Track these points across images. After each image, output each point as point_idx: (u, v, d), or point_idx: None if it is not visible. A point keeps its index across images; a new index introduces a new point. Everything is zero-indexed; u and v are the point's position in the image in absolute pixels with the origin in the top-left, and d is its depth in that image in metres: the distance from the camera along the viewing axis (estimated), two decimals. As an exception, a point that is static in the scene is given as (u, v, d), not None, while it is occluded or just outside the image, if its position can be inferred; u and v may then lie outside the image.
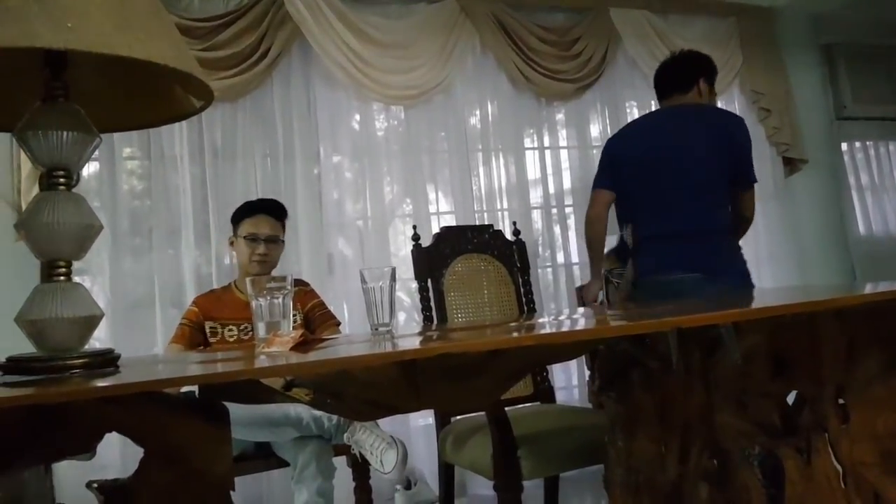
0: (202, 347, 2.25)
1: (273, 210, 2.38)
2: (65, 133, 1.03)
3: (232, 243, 2.39)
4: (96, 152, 2.69)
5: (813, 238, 3.92)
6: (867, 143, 4.30)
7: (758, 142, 3.80)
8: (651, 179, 2.25)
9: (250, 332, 2.22)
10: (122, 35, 0.95)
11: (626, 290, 1.95)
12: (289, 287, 1.29)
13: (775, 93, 3.82)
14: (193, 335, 2.25)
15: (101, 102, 1.20)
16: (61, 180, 1.06)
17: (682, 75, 2.36)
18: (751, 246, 3.72)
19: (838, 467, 1.43)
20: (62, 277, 1.05)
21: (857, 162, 4.25)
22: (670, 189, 2.21)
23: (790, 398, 1.51)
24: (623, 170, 2.33)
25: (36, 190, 2.44)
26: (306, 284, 2.47)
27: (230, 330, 2.28)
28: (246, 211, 2.36)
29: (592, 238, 2.41)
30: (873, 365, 1.43)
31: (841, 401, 1.45)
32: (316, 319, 2.36)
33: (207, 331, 2.27)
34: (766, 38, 3.87)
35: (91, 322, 1.06)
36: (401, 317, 3.10)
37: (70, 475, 2.28)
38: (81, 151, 1.06)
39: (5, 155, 2.53)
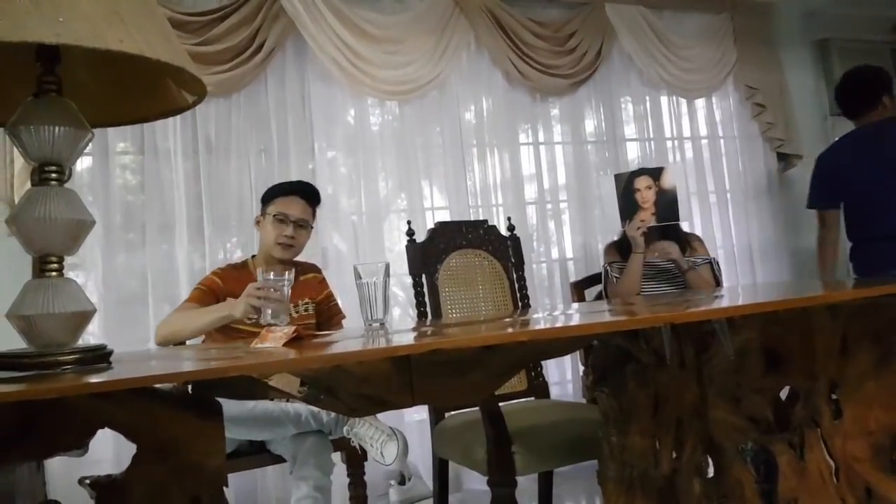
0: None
1: (308, 194, 2.28)
2: (57, 128, 1.03)
3: (258, 222, 2.26)
4: (89, 146, 2.69)
5: (809, 235, 3.92)
6: (861, 139, 4.31)
7: (752, 137, 3.83)
8: (876, 188, 2.57)
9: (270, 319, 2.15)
10: (113, 29, 0.94)
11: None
12: (290, 279, 1.30)
13: (770, 88, 3.82)
14: (207, 301, 2.12)
15: (94, 97, 1.20)
16: (53, 175, 1.05)
17: (867, 93, 2.70)
18: (743, 241, 3.74)
19: (831, 462, 1.44)
20: (54, 273, 1.05)
21: (852, 157, 4.26)
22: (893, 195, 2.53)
23: (783, 394, 1.52)
24: (846, 180, 2.68)
25: (28, 185, 2.45)
26: (319, 271, 2.38)
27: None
28: (279, 190, 2.26)
29: (829, 257, 2.79)
30: (866, 360, 1.44)
31: (834, 396, 1.46)
32: (325, 312, 2.30)
33: None
34: (760, 33, 3.88)
35: (83, 317, 1.06)
36: (395, 312, 3.10)
37: (62, 471, 2.28)
38: (73, 146, 1.06)
39: (-3, 149, 2.51)
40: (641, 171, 2.46)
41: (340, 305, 2.39)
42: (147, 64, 1.00)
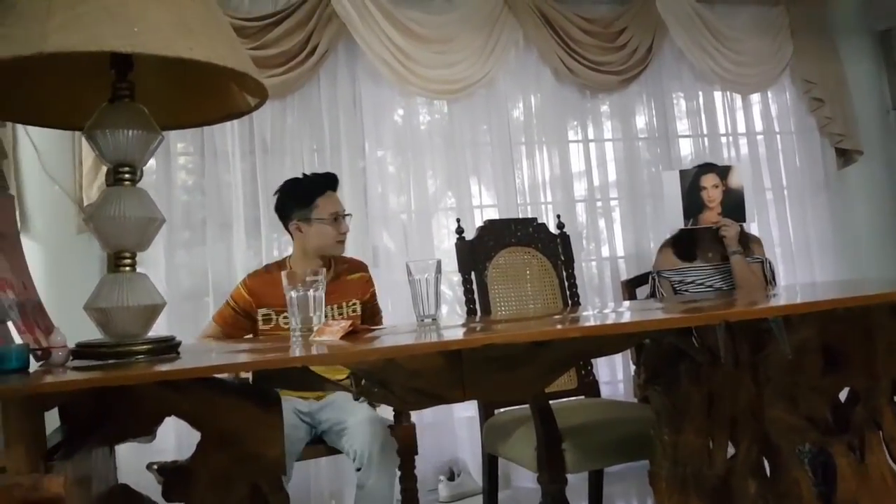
0: (250, 336, 2.16)
1: (335, 184, 2.23)
2: (130, 131, 1.09)
3: (299, 229, 2.17)
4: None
5: (867, 231, 3.79)
6: (926, 132, 4.13)
7: (810, 132, 3.71)
8: None
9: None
10: (183, 38, 1.00)
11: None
12: (323, 280, 1.32)
13: (828, 82, 3.69)
14: (237, 321, 2.13)
15: (162, 102, 1.26)
16: (126, 176, 1.12)
17: None
18: (801, 239, 3.63)
19: (894, 466, 1.39)
20: (127, 268, 1.12)
21: (915, 153, 4.09)
22: None
23: (843, 394, 1.49)
24: None
25: (96, 185, 2.57)
26: (367, 269, 2.34)
27: (286, 318, 2.09)
28: (314, 190, 2.17)
29: None
30: (930, 361, 1.39)
31: (896, 397, 1.42)
32: (368, 310, 2.30)
33: (260, 318, 2.14)
34: (817, 25, 3.75)
35: (154, 310, 1.12)
36: (443, 310, 3.12)
37: (128, 457, 2.39)
38: (145, 148, 1.12)
39: (67, 151, 2.65)
40: (709, 169, 2.41)
41: (385, 302, 2.43)
42: (213, 70, 1.05)
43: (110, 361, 1.05)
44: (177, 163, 2.87)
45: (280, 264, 2.22)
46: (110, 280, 1.09)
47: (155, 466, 1.36)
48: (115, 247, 1.11)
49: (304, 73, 2.91)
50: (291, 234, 2.22)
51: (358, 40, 2.97)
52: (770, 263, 2.48)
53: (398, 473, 2.07)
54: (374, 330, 1.40)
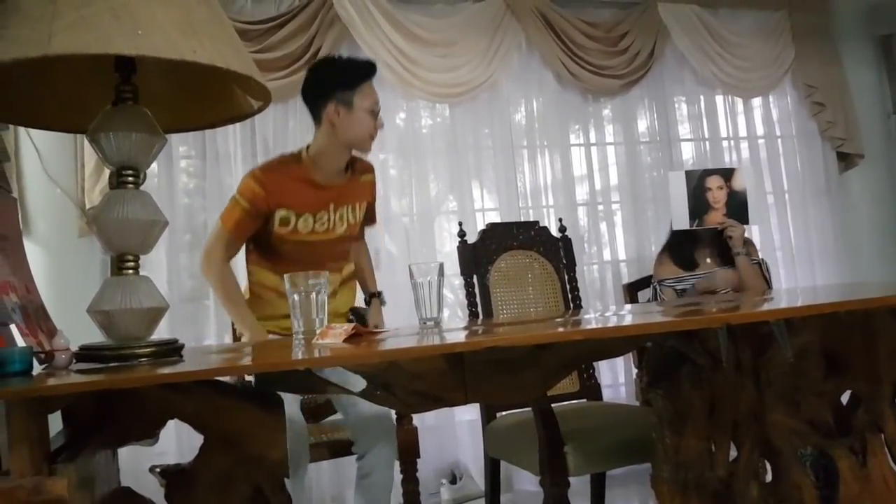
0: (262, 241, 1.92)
1: (375, 74, 1.95)
2: (133, 134, 1.09)
3: (337, 113, 1.86)
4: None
5: (869, 235, 3.79)
6: (926, 137, 4.14)
7: (811, 136, 3.72)
8: None
9: (326, 224, 1.93)
10: (187, 40, 1.00)
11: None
12: (326, 283, 1.32)
13: (829, 86, 3.70)
14: (248, 224, 1.87)
15: (166, 105, 1.26)
16: (130, 179, 1.12)
17: None
18: (802, 242, 3.64)
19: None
20: (131, 271, 1.12)
21: (916, 157, 4.09)
22: None
23: (844, 398, 1.48)
24: None
25: (98, 188, 2.58)
26: (374, 171, 2.12)
27: (305, 220, 1.90)
28: (361, 74, 1.90)
29: None
30: (933, 364, 1.39)
31: (898, 401, 1.42)
32: (369, 213, 2.14)
33: (277, 219, 1.87)
34: (819, 30, 3.76)
35: (157, 313, 1.12)
36: (444, 313, 3.12)
37: (130, 460, 2.39)
38: (148, 151, 1.12)
39: (69, 154, 2.66)
40: (714, 171, 2.43)
41: (388, 305, 2.41)
42: (217, 73, 1.06)
43: (113, 364, 1.05)
44: (178, 166, 2.87)
45: (296, 157, 1.94)
46: (114, 283, 1.10)
47: (157, 469, 1.36)
48: (119, 249, 1.11)
49: (306, 77, 2.91)
50: (320, 121, 1.91)
51: (360, 43, 2.97)
52: (766, 264, 2.49)
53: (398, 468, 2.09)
54: (376, 333, 1.40)
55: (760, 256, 2.48)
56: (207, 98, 1.28)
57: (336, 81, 1.88)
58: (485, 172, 3.29)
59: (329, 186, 1.94)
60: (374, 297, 2.17)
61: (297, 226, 1.90)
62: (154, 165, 2.81)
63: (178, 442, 2.52)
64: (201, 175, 2.90)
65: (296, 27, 2.89)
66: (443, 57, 3.14)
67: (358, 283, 2.19)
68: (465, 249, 2.35)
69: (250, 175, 1.90)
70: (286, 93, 2.89)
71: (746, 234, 3.27)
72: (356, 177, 2.03)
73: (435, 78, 3.09)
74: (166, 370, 1.01)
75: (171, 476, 1.17)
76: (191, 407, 1.12)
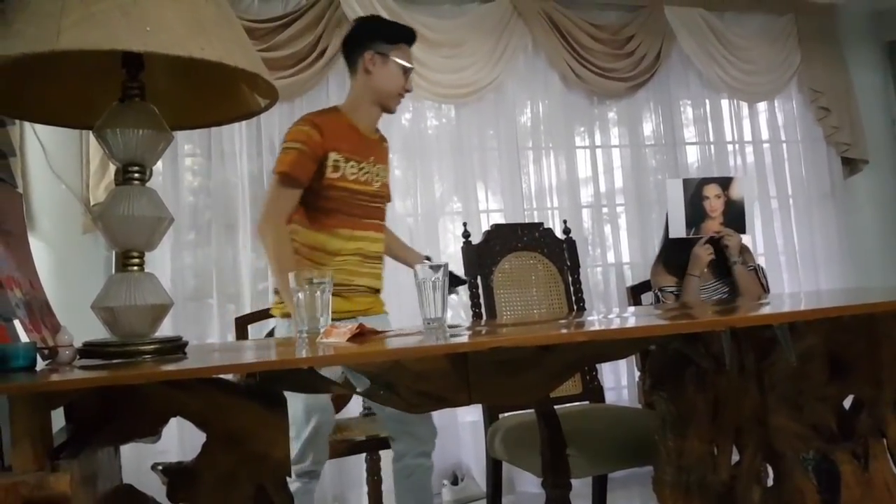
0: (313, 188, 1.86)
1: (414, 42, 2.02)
2: (140, 131, 1.09)
3: (373, 62, 1.92)
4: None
5: (873, 240, 3.78)
6: (933, 143, 4.13)
7: (816, 141, 3.71)
8: None
9: (367, 175, 1.95)
10: (195, 38, 1.00)
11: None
12: (329, 283, 1.31)
13: (835, 91, 3.69)
14: (307, 165, 1.83)
15: (173, 102, 1.27)
16: (136, 175, 1.12)
17: None
18: (806, 247, 3.63)
19: (898, 474, 1.39)
20: (136, 267, 1.12)
21: (922, 163, 4.08)
22: None
23: (847, 402, 1.48)
24: None
25: (103, 184, 2.59)
26: (386, 140, 2.13)
27: (352, 166, 1.91)
28: (405, 35, 1.98)
29: None
30: (937, 370, 1.39)
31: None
32: None
33: (330, 164, 1.86)
34: (825, 34, 3.75)
35: (162, 310, 1.12)
36: (448, 313, 3.12)
37: (132, 458, 2.39)
38: (155, 148, 1.13)
39: (74, 150, 2.67)
40: (711, 180, 2.42)
41: (391, 305, 2.40)
42: (224, 70, 1.06)
43: (117, 361, 1.05)
44: (183, 164, 2.88)
45: (334, 108, 2.02)
46: (118, 279, 1.10)
47: (160, 467, 1.36)
48: (124, 246, 1.11)
49: (313, 76, 2.92)
50: (355, 70, 1.97)
51: (366, 44, 2.97)
52: (763, 270, 2.48)
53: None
54: (380, 333, 1.40)
55: (756, 262, 2.47)
56: (215, 96, 1.28)
57: (377, 33, 1.96)
58: (490, 174, 3.29)
59: (369, 138, 1.99)
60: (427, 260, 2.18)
61: (346, 172, 1.90)
62: (159, 163, 2.81)
63: (180, 440, 2.53)
64: (206, 173, 2.90)
65: (303, 26, 2.89)
66: (449, 58, 3.14)
67: (400, 262, 2.19)
68: (469, 250, 2.35)
69: (301, 122, 1.90)
70: (293, 92, 2.90)
71: (759, 240, 3.27)
72: (381, 141, 2.07)
73: (441, 79, 3.10)
74: (170, 367, 1.01)
75: (172, 474, 1.16)
76: (194, 405, 1.12)
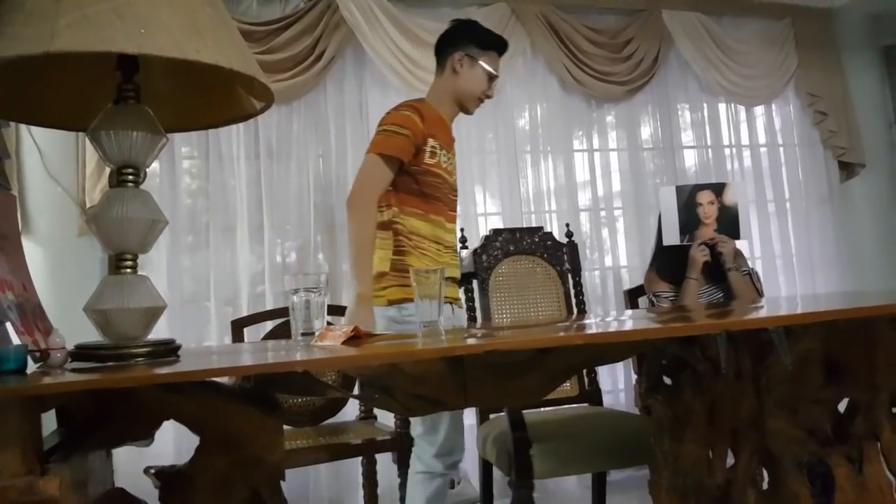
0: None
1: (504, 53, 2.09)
2: (135, 133, 1.09)
3: (461, 63, 1.99)
4: (158, 152, 2.80)
5: (869, 244, 3.78)
6: (928, 147, 4.14)
7: (813, 145, 3.72)
8: None
9: (451, 166, 2.02)
10: (191, 40, 1.00)
11: None
12: (325, 286, 1.31)
13: (832, 95, 3.70)
14: (409, 151, 1.87)
15: (168, 104, 1.26)
16: (130, 178, 1.12)
17: None
18: (803, 251, 3.63)
19: (891, 478, 1.39)
20: (129, 270, 1.11)
21: (918, 166, 4.10)
22: None
23: (842, 406, 1.48)
24: None
25: (99, 187, 2.58)
26: None
27: (444, 155, 1.97)
28: (496, 43, 2.04)
29: None
30: (933, 374, 1.38)
31: (895, 410, 1.41)
32: None
33: (428, 149, 1.91)
34: (822, 39, 3.76)
35: (155, 313, 1.12)
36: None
37: (126, 461, 2.38)
38: (150, 150, 1.12)
39: (71, 153, 2.66)
40: (704, 186, 2.42)
41: None
42: (220, 73, 1.06)
43: (109, 364, 1.04)
44: (181, 166, 2.87)
45: (420, 100, 2.03)
46: (111, 282, 1.09)
47: (152, 471, 1.35)
48: (117, 248, 1.11)
49: (310, 79, 2.92)
50: (443, 67, 2.04)
51: (366, 47, 2.98)
52: (757, 274, 2.48)
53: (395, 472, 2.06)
54: (375, 336, 1.39)
55: (751, 267, 2.47)
56: (210, 98, 1.28)
57: (471, 37, 2.03)
58: (488, 177, 3.29)
59: (448, 129, 2.04)
60: None
61: (440, 159, 1.96)
62: (156, 165, 2.81)
63: (175, 443, 2.52)
64: (204, 176, 2.90)
65: (300, 29, 2.89)
66: (447, 61, 3.13)
67: None
68: (467, 256, 2.35)
69: (403, 107, 1.94)
70: (291, 95, 2.90)
71: (756, 244, 3.26)
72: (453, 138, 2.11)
73: (439, 82, 3.09)
74: (162, 370, 1.00)
75: (165, 477, 1.16)
76: (188, 408, 1.12)
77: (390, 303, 1.86)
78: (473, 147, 3.22)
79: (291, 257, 2.96)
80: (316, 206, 2.96)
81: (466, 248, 2.36)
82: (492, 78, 2.01)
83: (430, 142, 1.91)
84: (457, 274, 2.04)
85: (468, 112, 2.09)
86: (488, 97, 2.05)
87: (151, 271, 2.78)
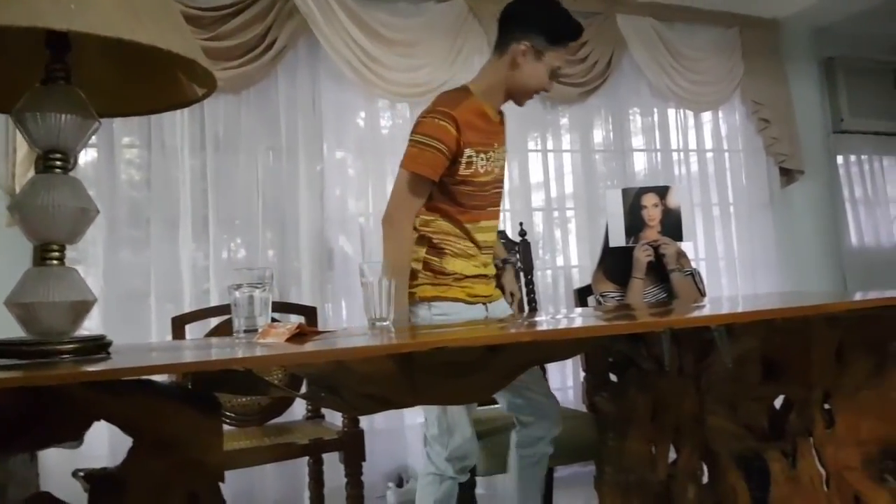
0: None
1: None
2: (63, 115, 1.03)
3: (524, 54, 1.79)
4: (95, 140, 2.66)
5: (807, 247, 3.93)
6: (862, 156, 4.34)
7: (756, 151, 3.83)
8: None
9: (491, 163, 1.84)
10: (126, 19, 0.95)
11: None
12: (269, 281, 1.26)
13: (775, 103, 3.82)
14: (443, 165, 1.74)
15: (103, 87, 1.20)
16: (58, 163, 1.06)
17: None
18: (746, 253, 3.74)
19: (822, 471, 1.44)
20: (55, 261, 1.05)
21: (852, 175, 4.29)
22: None
23: (779, 402, 1.52)
24: None
25: (30, 174, 2.45)
26: (504, 115, 2.00)
27: (481, 159, 1.80)
28: (567, 35, 1.83)
29: None
30: (861, 370, 1.44)
31: (827, 406, 1.46)
32: None
33: (464, 161, 1.76)
34: (768, 49, 3.88)
35: (83, 307, 1.05)
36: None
37: (55, 464, 2.27)
38: (80, 135, 1.06)
39: (0, 138, 2.51)
40: (649, 189, 2.46)
41: (340, 306, 2.35)
42: (158, 55, 1.01)
43: (32, 361, 0.98)
44: (122, 156, 2.76)
45: (465, 90, 1.84)
46: (35, 274, 1.03)
47: (81, 473, 1.29)
48: (43, 238, 1.04)
49: (261, 68, 2.84)
50: (502, 52, 1.82)
51: (320, 38, 2.92)
52: (699, 274, 2.53)
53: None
54: (321, 333, 1.36)
55: (693, 267, 2.53)
56: (149, 83, 1.22)
57: (544, 26, 1.79)
58: (443, 175, 3.26)
59: (493, 122, 1.88)
60: (506, 262, 2.14)
61: (477, 167, 1.80)
62: (95, 154, 2.69)
63: (111, 445, 2.40)
64: (146, 166, 2.78)
65: (251, 16, 2.81)
66: (404, 56, 3.11)
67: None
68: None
69: (437, 114, 1.75)
70: (240, 83, 2.82)
71: (701, 246, 3.34)
72: (502, 122, 1.94)
73: (396, 77, 3.06)
74: (88, 368, 0.95)
75: (95, 481, 1.10)
76: (121, 408, 1.06)
77: (422, 300, 1.79)
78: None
79: (241, 253, 2.88)
80: (265, 201, 2.88)
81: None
82: (555, 73, 1.84)
83: (467, 152, 1.76)
84: (491, 271, 1.93)
85: (519, 104, 1.93)
86: (545, 91, 1.88)
87: (89, 265, 2.66)
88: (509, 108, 3.28)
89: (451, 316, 1.76)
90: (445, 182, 1.77)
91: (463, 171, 1.77)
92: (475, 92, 1.83)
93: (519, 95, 1.87)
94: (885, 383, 1.44)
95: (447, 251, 1.80)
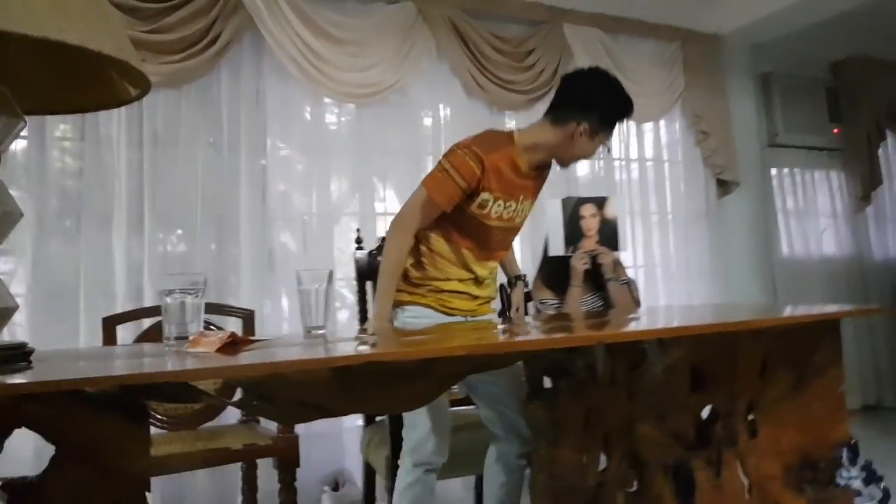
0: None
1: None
2: (-14, 114, 0.98)
3: (579, 133, 1.87)
4: (25, 130, 2.54)
5: (740, 257, 4.10)
6: (794, 170, 4.55)
7: (694, 163, 3.97)
8: None
9: (511, 213, 1.92)
10: (55, 17, 0.91)
11: None
12: (203, 287, 1.24)
13: (714, 117, 3.97)
14: (459, 200, 1.82)
15: (32, 85, 1.16)
16: (-20, 163, 1.01)
17: None
18: (682, 262, 3.87)
19: (745, 480, 1.50)
20: (-25, 265, 1.01)
21: (785, 187, 4.49)
22: None
23: (705, 412, 1.58)
24: None
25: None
26: (549, 168, 2.07)
27: (499, 206, 1.88)
28: (620, 119, 1.94)
29: None
30: (783, 383, 1.51)
31: (751, 416, 1.53)
32: None
33: (478, 200, 1.84)
34: (708, 63, 4.02)
35: (4, 314, 1.02)
36: (343, 315, 3.08)
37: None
38: (4, 134, 1.02)
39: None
40: (587, 199, 2.52)
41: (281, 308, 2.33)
42: (90, 54, 0.97)
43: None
44: (53, 147, 2.64)
45: (509, 138, 1.92)
46: (-47, 278, 0.98)
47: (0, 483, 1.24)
48: (-39, 241, 1.00)
49: (203, 63, 2.77)
50: (560, 123, 1.89)
51: (265, 35, 2.87)
52: (635, 283, 2.61)
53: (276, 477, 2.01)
54: (254, 341, 1.34)
55: (629, 277, 2.60)
56: (81, 81, 1.18)
57: (608, 111, 1.89)
58: (391, 176, 3.26)
59: (526, 176, 1.92)
60: (518, 279, 2.20)
61: (491, 211, 1.87)
62: (24, 144, 2.57)
63: (36, 451, 2.30)
64: (79, 159, 2.68)
65: (194, 9, 2.74)
66: (352, 56, 3.08)
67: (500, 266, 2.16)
68: (361, 259, 2.32)
69: (469, 152, 1.81)
70: (181, 78, 2.75)
71: (640, 254, 3.42)
72: (544, 173, 2.03)
73: (343, 77, 3.04)
74: (7, 379, 0.91)
75: (13, 490, 1.06)
76: (42, 415, 1.03)
77: (397, 304, 1.88)
78: (376, 145, 3.18)
79: (179, 248, 2.81)
80: (204, 197, 2.82)
81: (362, 248, 2.33)
82: (599, 148, 1.95)
83: (484, 194, 1.83)
84: (483, 292, 1.99)
85: (563, 167, 2.03)
86: (586, 159, 2.03)
87: (17, 258, 2.55)
88: (459, 112, 3.31)
89: (422, 319, 1.84)
90: (456, 210, 1.85)
91: (474, 209, 1.85)
92: (518, 143, 1.90)
93: (564, 161, 1.98)
94: (805, 396, 1.52)
95: (428, 269, 1.89)
